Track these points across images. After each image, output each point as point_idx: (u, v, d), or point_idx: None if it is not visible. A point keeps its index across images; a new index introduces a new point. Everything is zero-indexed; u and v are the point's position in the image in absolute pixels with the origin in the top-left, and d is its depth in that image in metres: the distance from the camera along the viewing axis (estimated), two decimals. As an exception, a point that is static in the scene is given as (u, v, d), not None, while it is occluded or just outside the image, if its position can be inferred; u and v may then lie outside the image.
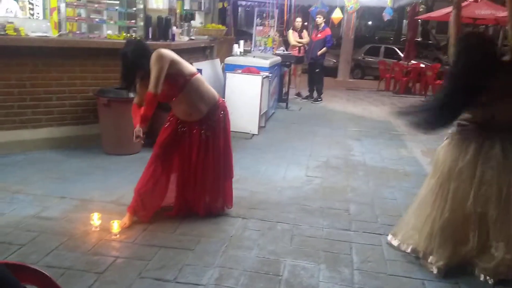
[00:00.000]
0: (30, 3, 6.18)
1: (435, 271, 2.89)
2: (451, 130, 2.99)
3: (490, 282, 2.81)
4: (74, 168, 4.48)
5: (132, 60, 3.12)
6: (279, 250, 3.12)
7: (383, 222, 3.66)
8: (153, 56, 3.09)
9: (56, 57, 4.84)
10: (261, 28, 8.79)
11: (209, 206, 3.55)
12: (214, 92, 3.48)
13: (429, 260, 2.96)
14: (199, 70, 6.31)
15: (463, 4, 10.23)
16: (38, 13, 6.27)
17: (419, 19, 13.15)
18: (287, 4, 9.72)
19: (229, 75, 6.28)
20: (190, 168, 3.40)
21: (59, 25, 6.40)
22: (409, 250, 3.10)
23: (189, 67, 3.35)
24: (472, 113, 2.84)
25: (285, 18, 9.51)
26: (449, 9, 10.63)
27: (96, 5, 5.93)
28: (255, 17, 8.88)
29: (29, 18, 6.08)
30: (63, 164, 4.57)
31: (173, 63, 3.16)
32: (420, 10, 13.95)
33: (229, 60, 6.83)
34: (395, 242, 3.22)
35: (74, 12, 6.47)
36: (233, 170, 3.68)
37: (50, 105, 4.94)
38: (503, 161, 2.75)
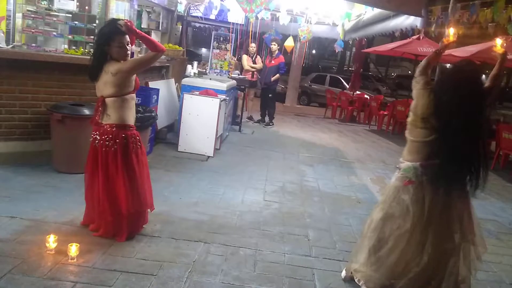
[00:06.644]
0: (-23, 10, 5.85)
1: None
2: (411, 169, 2.89)
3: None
4: (23, 186, 4.24)
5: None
6: (244, 276, 3.11)
7: (341, 249, 3.75)
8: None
9: (8, 69, 4.60)
10: (217, 51, 8.86)
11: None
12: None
13: None
14: (156, 90, 6.29)
15: (406, 41, 10.94)
16: (-15, 22, 5.95)
17: (365, 52, 13.81)
18: (252, 31, 9.90)
19: (186, 96, 6.24)
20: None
21: (6, 35, 6.09)
22: None
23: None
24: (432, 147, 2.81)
25: (250, 43, 9.68)
26: (393, 44, 11.27)
27: (54, 19, 5.72)
28: (212, 40, 8.93)
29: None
30: (10, 181, 4.32)
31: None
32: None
33: (186, 81, 6.80)
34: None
35: (24, 23, 6.18)
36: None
37: (-3, 118, 4.69)
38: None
